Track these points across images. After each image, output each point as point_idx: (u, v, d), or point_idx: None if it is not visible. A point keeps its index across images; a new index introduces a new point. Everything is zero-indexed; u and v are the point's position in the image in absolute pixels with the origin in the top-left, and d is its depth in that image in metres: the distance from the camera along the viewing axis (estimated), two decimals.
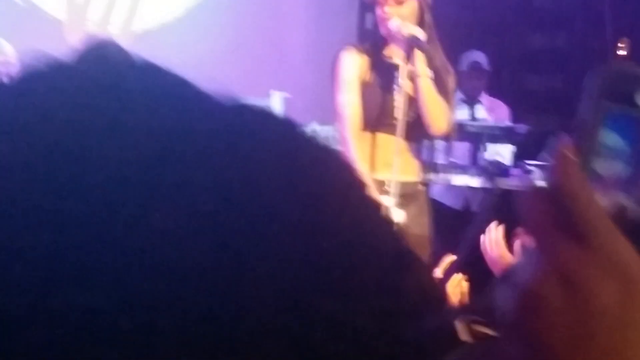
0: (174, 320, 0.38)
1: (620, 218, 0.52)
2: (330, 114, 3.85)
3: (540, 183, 0.52)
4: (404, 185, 3.60)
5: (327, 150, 0.45)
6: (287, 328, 0.39)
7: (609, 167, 0.54)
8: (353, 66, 3.71)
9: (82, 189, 0.38)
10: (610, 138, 0.54)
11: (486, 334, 0.47)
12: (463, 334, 0.47)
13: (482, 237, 2.69)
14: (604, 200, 0.52)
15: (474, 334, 0.48)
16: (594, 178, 0.53)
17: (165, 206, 0.38)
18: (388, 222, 0.45)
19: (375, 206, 0.45)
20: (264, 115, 0.45)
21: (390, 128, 3.58)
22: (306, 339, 0.39)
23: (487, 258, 2.64)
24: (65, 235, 0.38)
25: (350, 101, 3.68)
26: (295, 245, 0.40)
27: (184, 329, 0.38)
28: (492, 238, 2.64)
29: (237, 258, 0.38)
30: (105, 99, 0.41)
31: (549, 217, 0.50)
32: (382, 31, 3.65)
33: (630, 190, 0.54)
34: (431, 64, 3.59)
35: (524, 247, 0.51)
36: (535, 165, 5.10)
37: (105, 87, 0.42)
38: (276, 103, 4.72)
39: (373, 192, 0.47)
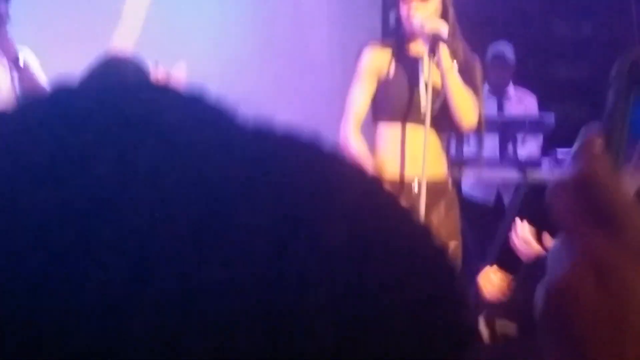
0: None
1: None
2: None
3: (568, 173, 0.51)
4: (433, 181, 3.60)
5: (354, 168, 0.43)
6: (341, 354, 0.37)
7: (638, 152, 0.54)
8: (373, 59, 3.74)
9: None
10: (638, 123, 0.54)
11: (507, 332, 0.47)
12: (484, 330, 0.46)
13: (511, 232, 2.68)
14: (633, 185, 0.53)
15: (496, 330, 0.47)
16: (625, 164, 0.53)
17: (209, 253, 0.36)
18: (425, 232, 0.43)
19: (411, 219, 0.43)
20: (287, 142, 0.42)
21: (418, 121, 3.59)
22: None
23: (518, 253, 2.63)
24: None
25: (358, 96, 3.72)
26: (344, 273, 0.38)
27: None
28: (519, 234, 2.63)
29: (289, 295, 0.37)
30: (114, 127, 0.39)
31: (578, 207, 0.49)
32: (406, 28, 3.66)
33: None
34: (457, 58, 3.59)
35: (554, 238, 0.51)
36: (566, 154, 5.07)
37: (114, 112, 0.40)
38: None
39: (400, 199, 0.45)
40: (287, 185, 0.39)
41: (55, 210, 0.36)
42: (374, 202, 0.41)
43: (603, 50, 6.70)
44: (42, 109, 0.40)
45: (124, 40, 3.22)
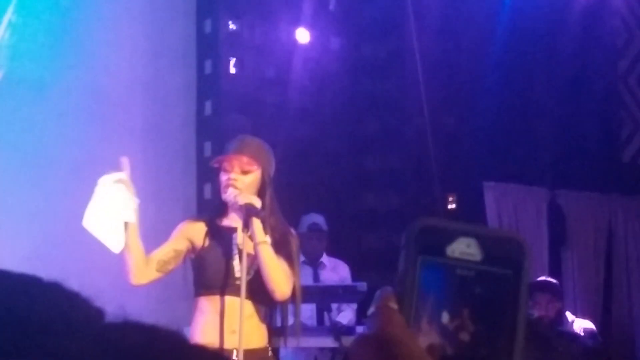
0: None
1: (439, 356, 0.56)
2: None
3: (367, 330, 0.56)
4: (252, 352, 3.60)
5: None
6: None
7: (427, 310, 0.58)
8: (187, 229, 3.78)
9: None
10: (426, 285, 0.59)
11: None
12: None
13: None
14: (425, 340, 0.57)
15: None
16: (416, 321, 0.58)
17: None
18: None
19: None
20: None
21: (235, 293, 3.61)
22: None
23: None
24: None
25: (162, 245, 3.73)
26: None
27: None
28: None
29: None
30: None
31: None
32: (223, 197, 3.73)
33: (445, 330, 0.58)
34: (272, 230, 3.68)
35: None
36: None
37: None
38: None
39: None
40: None
41: None
42: None
43: (410, 218, 6.99)
44: None
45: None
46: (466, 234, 0.60)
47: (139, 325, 0.49)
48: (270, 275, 3.61)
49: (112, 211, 3.50)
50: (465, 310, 0.59)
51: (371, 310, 0.57)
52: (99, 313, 0.49)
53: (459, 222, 0.62)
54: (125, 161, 3.56)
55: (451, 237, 0.60)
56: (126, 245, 3.55)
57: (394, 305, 0.57)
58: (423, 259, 0.59)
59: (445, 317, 0.58)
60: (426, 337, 0.57)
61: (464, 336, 0.58)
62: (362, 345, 0.55)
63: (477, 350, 0.58)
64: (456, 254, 0.60)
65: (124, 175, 3.53)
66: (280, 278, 3.63)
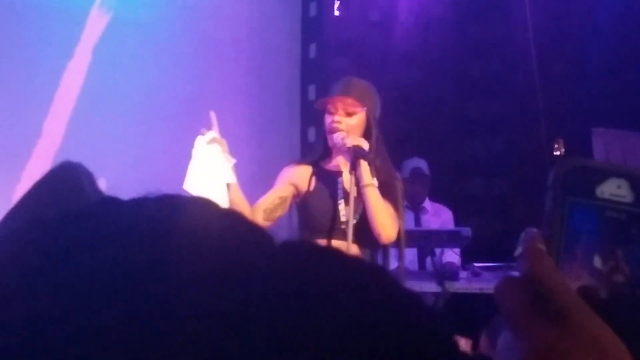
0: None
1: (592, 298, 0.55)
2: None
3: (515, 272, 0.55)
4: None
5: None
6: None
7: (577, 253, 0.58)
8: (291, 173, 3.78)
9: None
10: (575, 226, 0.58)
11: None
12: None
13: None
14: (575, 282, 0.57)
15: None
16: (565, 263, 0.57)
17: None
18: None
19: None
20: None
21: (340, 234, 3.61)
22: None
23: None
24: None
25: (268, 193, 3.76)
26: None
27: None
28: None
29: None
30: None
31: (526, 302, 0.53)
32: (329, 142, 3.72)
33: (597, 272, 0.57)
34: (378, 173, 3.65)
35: (502, 335, 0.54)
36: (483, 267, 5.14)
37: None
38: None
39: None
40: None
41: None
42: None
43: (515, 164, 6.89)
44: (86, 224, 0.46)
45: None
46: (617, 174, 0.59)
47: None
48: (377, 218, 3.60)
49: (211, 172, 3.54)
50: (619, 251, 0.58)
51: (518, 251, 0.56)
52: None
53: (609, 162, 0.60)
54: (213, 116, 3.58)
55: (601, 177, 0.59)
56: (230, 203, 3.58)
57: (541, 247, 0.56)
58: (571, 200, 0.58)
59: (596, 260, 0.58)
60: (577, 279, 0.57)
61: (619, 278, 0.57)
62: (510, 287, 0.54)
63: (633, 292, 0.57)
64: (606, 195, 0.59)
65: (215, 133, 3.55)
66: (387, 221, 3.62)
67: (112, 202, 0.49)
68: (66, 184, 0.53)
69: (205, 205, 0.49)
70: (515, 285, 0.54)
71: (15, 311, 0.41)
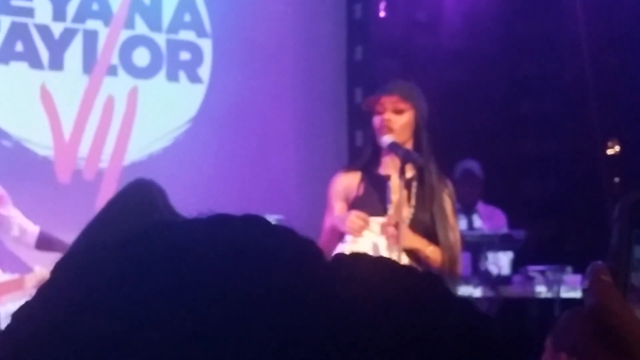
0: None
1: None
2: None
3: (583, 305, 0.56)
4: None
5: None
6: None
7: None
8: (341, 183, 3.77)
9: None
10: None
11: None
12: None
13: None
14: None
15: None
16: (632, 295, 0.58)
17: None
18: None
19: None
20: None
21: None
22: None
23: None
24: None
25: (337, 209, 3.72)
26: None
27: None
28: None
29: None
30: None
31: (591, 336, 0.54)
32: (379, 143, 3.67)
33: None
34: (427, 177, 3.60)
35: None
36: (537, 271, 5.05)
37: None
38: None
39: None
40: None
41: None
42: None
43: (568, 165, 6.77)
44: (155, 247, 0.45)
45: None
46: None
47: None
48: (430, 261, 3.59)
49: None
50: None
51: (584, 284, 0.57)
52: None
53: None
54: None
55: None
56: None
57: (608, 279, 0.56)
58: (637, 233, 0.59)
59: None
60: None
61: None
62: (576, 320, 0.55)
63: None
64: None
65: None
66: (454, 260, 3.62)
67: (192, 222, 0.49)
68: (140, 201, 0.53)
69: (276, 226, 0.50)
70: (582, 317, 0.55)
71: (83, 328, 0.41)
